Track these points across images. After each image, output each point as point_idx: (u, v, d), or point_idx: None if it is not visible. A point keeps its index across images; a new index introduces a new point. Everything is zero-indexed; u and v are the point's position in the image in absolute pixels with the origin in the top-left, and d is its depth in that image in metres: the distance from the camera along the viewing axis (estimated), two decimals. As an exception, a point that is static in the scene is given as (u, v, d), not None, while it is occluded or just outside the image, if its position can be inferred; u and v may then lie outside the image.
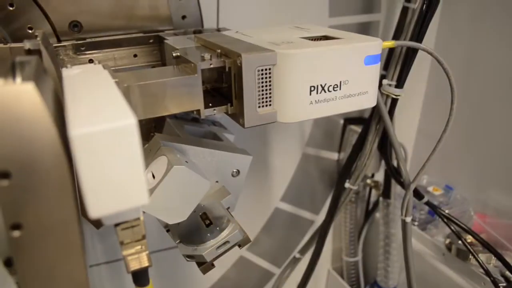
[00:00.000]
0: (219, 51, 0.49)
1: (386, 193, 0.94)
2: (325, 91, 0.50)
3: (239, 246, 0.56)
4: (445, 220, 0.77)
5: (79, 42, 0.62)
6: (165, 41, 0.60)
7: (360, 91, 0.52)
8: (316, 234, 0.87)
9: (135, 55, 0.66)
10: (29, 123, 0.28)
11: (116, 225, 0.37)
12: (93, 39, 0.64)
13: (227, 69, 0.48)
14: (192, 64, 0.47)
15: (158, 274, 0.92)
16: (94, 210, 0.29)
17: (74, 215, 0.31)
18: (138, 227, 0.38)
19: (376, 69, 0.53)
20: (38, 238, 0.30)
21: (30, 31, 0.63)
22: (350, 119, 0.95)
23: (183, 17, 0.72)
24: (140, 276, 0.46)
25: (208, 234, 0.54)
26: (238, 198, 0.60)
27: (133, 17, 0.68)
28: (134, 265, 0.40)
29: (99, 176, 0.29)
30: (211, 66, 0.47)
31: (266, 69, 0.47)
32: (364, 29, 0.90)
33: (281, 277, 0.92)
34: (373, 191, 1.02)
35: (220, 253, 0.54)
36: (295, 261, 0.90)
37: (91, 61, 0.64)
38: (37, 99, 0.28)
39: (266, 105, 0.49)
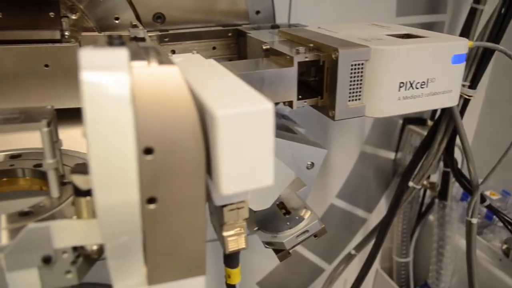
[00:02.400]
0: (311, 45, 0.51)
1: (442, 194, 0.94)
2: (413, 88, 0.51)
3: (315, 236, 0.57)
4: (507, 224, 0.77)
5: (163, 33, 0.65)
6: (249, 34, 0.62)
7: (445, 90, 0.53)
8: (374, 231, 0.88)
9: (214, 48, 0.68)
10: (173, 104, 0.30)
11: (223, 206, 0.39)
12: (176, 31, 0.66)
13: (321, 63, 0.49)
14: (288, 57, 0.48)
15: (213, 267, 0.94)
16: (227, 187, 0.31)
17: (203, 194, 0.32)
18: (243, 209, 0.40)
19: (461, 69, 0.54)
20: (169, 213, 0.32)
21: (116, 21, 0.65)
22: (410, 119, 0.96)
23: (257, 12, 0.74)
24: (233, 257, 0.48)
25: (288, 223, 0.55)
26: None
27: (212, 11, 0.69)
28: (233, 246, 0.41)
29: (235, 155, 0.30)
30: (306, 59, 0.49)
31: (359, 64, 0.48)
32: (429, 29, 0.89)
33: (334, 273, 0.93)
34: (426, 192, 1.02)
35: (299, 241, 0.55)
36: (350, 257, 0.91)
37: (173, 51, 0.66)
38: (181, 81, 0.30)
39: (356, 99, 0.50)
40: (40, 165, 0.49)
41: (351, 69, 0.48)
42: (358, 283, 0.89)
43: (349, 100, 0.50)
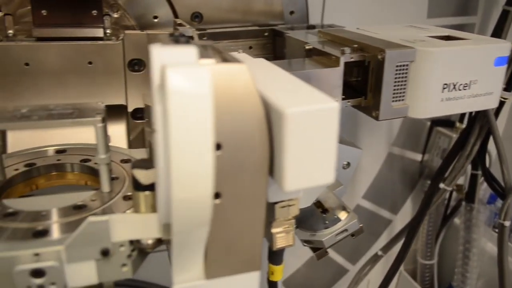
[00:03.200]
0: (355, 46, 0.51)
1: (469, 197, 0.94)
2: (456, 90, 0.51)
3: (352, 235, 0.57)
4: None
5: (201, 32, 0.65)
6: (287, 34, 0.62)
7: (487, 92, 0.53)
8: (402, 233, 0.88)
9: (250, 47, 0.68)
10: (242, 101, 0.30)
11: (275, 202, 0.39)
12: (214, 30, 0.67)
13: (366, 63, 0.49)
14: (333, 57, 0.49)
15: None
16: (290, 183, 0.31)
17: (265, 191, 0.33)
18: (294, 206, 0.41)
19: (502, 71, 0.54)
20: (232, 208, 0.33)
21: (155, 20, 0.66)
22: (438, 121, 0.96)
23: (291, 12, 0.74)
24: (278, 254, 0.48)
25: (326, 222, 0.56)
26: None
27: (248, 11, 0.70)
28: (281, 243, 0.42)
29: (300, 153, 0.31)
30: (352, 59, 0.49)
31: (404, 65, 0.49)
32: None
33: (360, 274, 0.93)
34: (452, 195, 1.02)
35: (337, 240, 0.56)
36: (377, 258, 0.91)
37: (210, 51, 0.66)
38: (250, 79, 0.31)
39: (400, 100, 0.50)
40: (86, 160, 0.50)
41: (396, 70, 0.48)
42: (384, 285, 0.89)
43: (393, 101, 0.50)
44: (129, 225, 0.36)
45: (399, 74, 0.49)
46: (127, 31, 0.58)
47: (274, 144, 0.32)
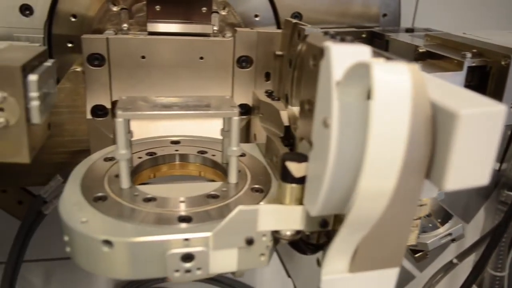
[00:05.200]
0: (474, 51, 0.51)
1: (547, 209, 0.92)
2: None
3: (453, 240, 0.58)
4: None
5: (301, 32, 0.66)
6: (391, 37, 0.63)
7: None
8: (481, 241, 0.87)
9: (347, 49, 0.69)
10: (415, 100, 0.31)
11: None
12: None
13: (487, 69, 0.49)
14: (456, 61, 0.49)
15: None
16: (451, 183, 0.32)
17: (420, 191, 0.34)
18: (425, 206, 0.41)
19: None
20: (391, 205, 0.33)
21: (256, 19, 0.68)
22: (518, 130, 0.94)
23: (384, 15, 0.75)
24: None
25: (430, 225, 0.56)
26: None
27: (346, 13, 0.71)
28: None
29: (465, 153, 0.31)
30: (473, 64, 0.49)
31: (527, 71, 0.48)
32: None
33: (431, 281, 0.93)
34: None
35: (440, 244, 0.56)
36: (451, 266, 0.91)
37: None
38: (422, 79, 0.31)
39: (517, 106, 0.50)
40: (203, 152, 0.52)
41: (518, 76, 0.48)
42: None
43: (511, 107, 0.50)
44: (275, 216, 0.37)
45: (520, 80, 0.49)
46: (238, 29, 0.60)
47: (437, 144, 0.32)
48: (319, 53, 0.34)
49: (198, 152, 0.52)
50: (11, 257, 0.63)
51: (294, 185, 0.37)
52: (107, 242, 0.36)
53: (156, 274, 0.38)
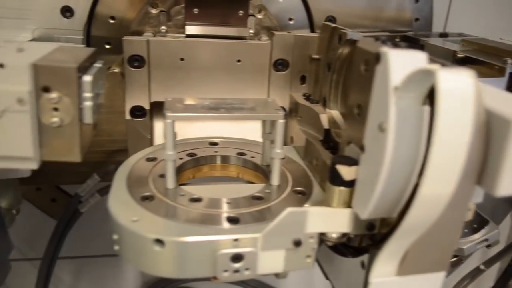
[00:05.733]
0: (516, 56, 0.51)
1: None
2: None
3: (488, 246, 0.57)
4: None
5: (336, 36, 0.67)
6: (426, 42, 0.63)
7: None
8: (510, 248, 0.86)
9: (381, 53, 0.69)
10: (469, 105, 0.31)
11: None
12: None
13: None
14: (497, 67, 0.49)
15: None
16: (503, 188, 0.32)
17: (470, 196, 0.34)
18: (470, 211, 0.41)
19: None
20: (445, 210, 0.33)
21: (290, 22, 0.68)
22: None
23: (416, 19, 0.75)
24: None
25: (466, 230, 0.56)
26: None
27: (379, 17, 0.71)
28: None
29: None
30: (516, 70, 0.49)
31: None
32: None
33: (457, 287, 0.92)
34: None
35: (476, 249, 0.56)
36: (478, 272, 0.90)
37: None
38: (477, 85, 0.32)
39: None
40: (241, 154, 0.53)
41: None
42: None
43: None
44: (323, 218, 0.38)
45: None
46: (276, 32, 0.60)
47: (490, 150, 0.32)
48: (372, 58, 0.34)
49: (237, 154, 0.53)
50: (47, 254, 0.64)
51: (342, 188, 0.37)
52: (159, 241, 0.37)
53: (204, 273, 0.39)
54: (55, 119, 0.39)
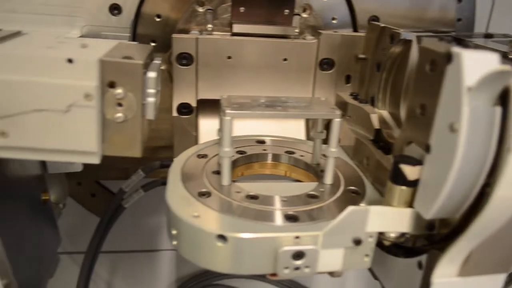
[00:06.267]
0: None
1: None
2: None
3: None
4: None
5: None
6: (474, 42, 0.62)
7: None
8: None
9: (424, 53, 0.69)
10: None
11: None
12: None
13: None
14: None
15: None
16: None
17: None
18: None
19: None
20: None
21: (333, 22, 0.68)
22: None
23: (458, 19, 0.74)
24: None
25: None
26: None
27: (422, 18, 0.71)
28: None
29: None
30: None
31: None
32: None
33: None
34: None
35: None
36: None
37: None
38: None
39: None
40: (290, 152, 0.53)
41: None
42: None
43: None
44: (384, 218, 0.38)
45: None
46: (323, 31, 0.60)
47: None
48: (440, 58, 0.34)
49: (286, 152, 0.53)
50: (91, 248, 0.65)
51: (404, 187, 0.37)
52: (221, 237, 0.37)
53: (263, 270, 0.39)
54: (119, 114, 0.39)
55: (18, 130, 0.38)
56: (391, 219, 0.38)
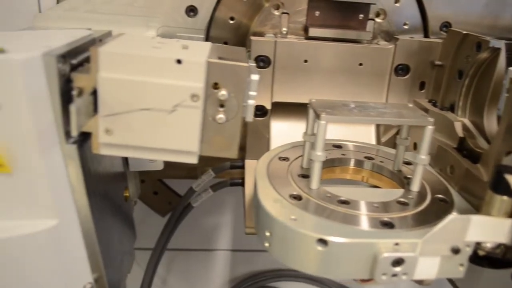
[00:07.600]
0: None
1: None
2: None
3: None
4: None
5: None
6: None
7: None
8: None
9: (496, 61, 0.68)
10: None
11: None
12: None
13: None
14: None
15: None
16: None
17: None
18: None
19: None
20: None
21: (404, 27, 0.68)
22: None
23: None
24: None
25: None
26: None
27: (495, 26, 0.70)
28: None
29: None
30: None
31: None
32: None
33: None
34: None
35: None
36: None
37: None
38: None
39: None
40: (370, 158, 0.53)
41: None
42: None
43: None
44: (484, 227, 0.38)
45: None
46: (400, 37, 0.60)
47: None
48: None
49: (365, 157, 0.53)
50: (158, 245, 0.66)
51: (505, 197, 0.37)
52: (322, 241, 0.37)
53: (359, 275, 0.39)
54: (221, 116, 0.40)
55: (123, 128, 0.39)
56: (491, 229, 0.38)
